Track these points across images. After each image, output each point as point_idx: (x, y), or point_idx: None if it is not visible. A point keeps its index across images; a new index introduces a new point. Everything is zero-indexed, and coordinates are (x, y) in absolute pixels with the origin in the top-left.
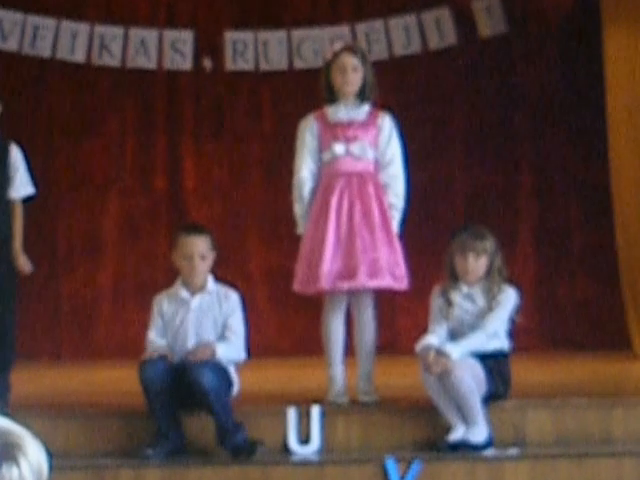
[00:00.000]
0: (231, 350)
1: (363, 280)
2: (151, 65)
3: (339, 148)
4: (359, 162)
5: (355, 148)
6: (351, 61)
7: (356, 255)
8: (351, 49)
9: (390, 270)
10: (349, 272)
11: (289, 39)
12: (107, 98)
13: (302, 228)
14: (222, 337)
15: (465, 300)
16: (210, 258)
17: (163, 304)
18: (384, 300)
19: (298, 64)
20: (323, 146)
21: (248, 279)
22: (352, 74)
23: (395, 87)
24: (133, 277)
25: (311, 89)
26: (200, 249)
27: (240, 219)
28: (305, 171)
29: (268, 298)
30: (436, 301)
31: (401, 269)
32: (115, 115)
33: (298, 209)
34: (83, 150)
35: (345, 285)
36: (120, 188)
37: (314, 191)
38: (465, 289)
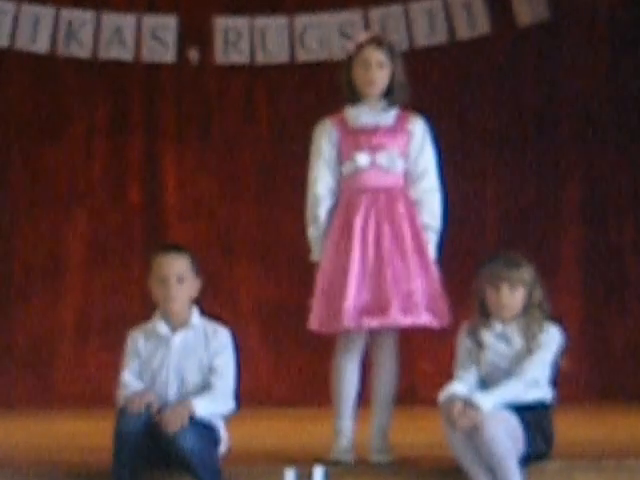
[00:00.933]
0: (216, 402)
1: (396, 316)
2: (127, 56)
3: (363, 159)
4: (387, 175)
5: (382, 158)
6: (376, 56)
7: (386, 287)
8: (378, 41)
9: (428, 304)
10: (379, 307)
11: (291, 26)
12: (74, 95)
13: (318, 255)
14: (205, 384)
15: (499, 341)
16: (191, 284)
17: (139, 341)
18: (402, 339)
19: (301, 56)
20: (343, 156)
21: (238, 313)
22: (377, 71)
23: (416, 85)
24: (101, 309)
25: (316, 86)
26: (177, 270)
27: (230, 240)
28: (321, 187)
29: (262, 335)
30: (464, 342)
31: (441, 304)
32: (83, 115)
33: (313, 232)
34: (44, 157)
35: (374, 322)
36: (87, 202)
37: (332, 211)
38: (499, 327)
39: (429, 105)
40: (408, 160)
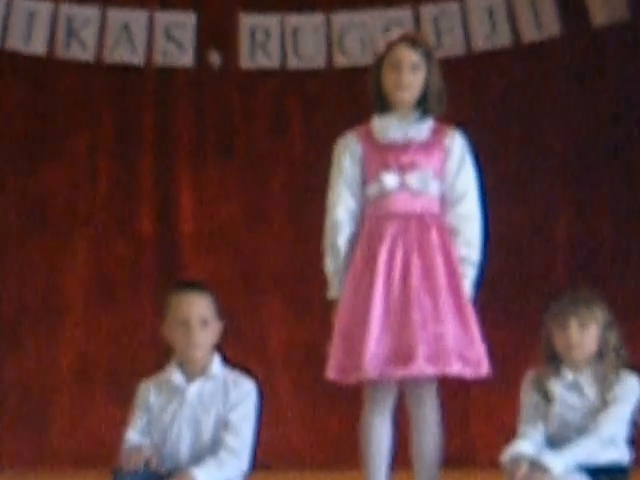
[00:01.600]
0: (223, 468)
1: (422, 365)
2: (137, 60)
3: (391, 179)
4: (418, 199)
5: (413, 179)
6: (409, 56)
7: (412, 330)
8: (411, 40)
9: (460, 351)
10: (403, 354)
11: (328, 26)
12: (75, 105)
13: (336, 291)
14: (213, 445)
15: (570, 392)
16: (214, 328)
17: (150, 393)
18: (453, 392)
19: (340, 61)
20: (368, 176)
21: (265, 360)
22: (409, 74)
23: (473, 94)
24: (105, 355)
25: (357, 96)
26: (200, 312)
27: (256, 276)
28: (341, 211)
29: (293, 386)
30: (529, 393)
31: (476, 350)
32: (85, 129)
33: (331, 264)
34: (40, 177)
35: (397, 372)
36: (90, 231)
37: (354, 239)
38: (569, 376)
39: (487, 120)
40: (444, 181)
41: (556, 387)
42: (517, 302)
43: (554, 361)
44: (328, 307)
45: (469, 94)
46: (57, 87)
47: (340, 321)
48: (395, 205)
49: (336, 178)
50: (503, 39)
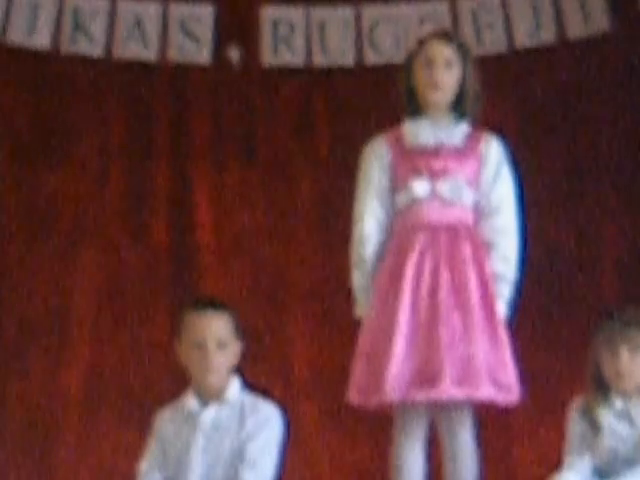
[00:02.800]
0: None
1: (448, 388)
2: (150, 55)
3: (421, 187)
4: (451, 209)
5: (445, 188)
6: (443, 52)
7: (440, 349)
8: (445, 35)
9: (491, 374)
10: (429, 376)
11: (358, 19)
12: (82, 104)
13: (364, 309)
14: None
15: (619, 421)
16: (232, 350)
17: (165, 422)
18: (491, 418)
19: (371, 58)
20: (397, 184)
21: (290, 384)
22: (443, 71)
23: (514, 95)
24: (116, 375)
25: (389, 95)
26: (217, 332)
27: (280, 290)
28: (370, 223)
29: (321, 413)
30: (576, 422)
31: (508, 373)
32: (94, 131)
33: (358, 280)
34: (44, 183)
35: (421, 395)
36: (99, 241)
37: (383, 253)
38: (619, 404)
39: (529, 123)
40: (479, 191)
41: (605, 416)
42: (561, 323)
43: (602, 388)
44: (359, 325)
45: (510, 95)
46: (63, 85)
47: (363, 340)
48: (424, 215)
49: (363, 187)
50: (548, 35)
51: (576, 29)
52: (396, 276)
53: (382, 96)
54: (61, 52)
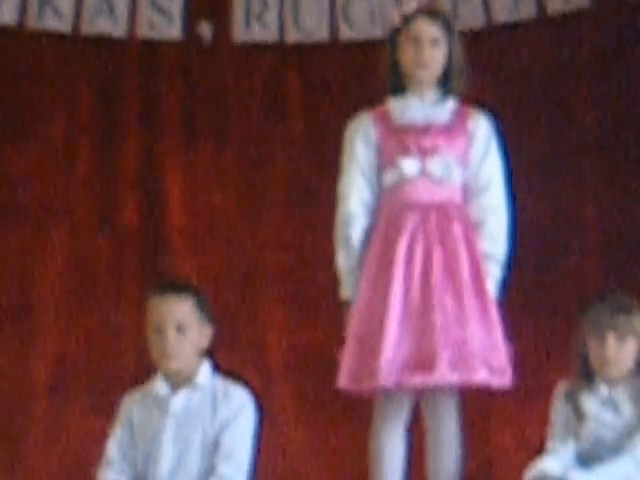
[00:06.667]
0: None
1: (444, 373)
2: (118, 31)
3: (411, 165)
4: (440, 188)
5: (435, 166)
6: (430, 30)
7: (434, 333)
8: (431, 11)
9: (485, 357)
10: (423, 360)
11: None
12: (49, 81)
13: (350, 291)
14: (209, 468)
15: (604, 408)
16: (197, 332)
17: (133, 408)
18: (470, 403)
19: (345, 33)
20: (385, 162)
21: (264, 367)
22: (430, 49)
23: (493, 72)
24: (84, 362)
25: (364, 73)
26: (176, 316)
27: (252, 272)
28: (355, 201)
29: (295, 397)
30: (560, 407)
31: (501, 357)
32: (60, 108)
33: (343, 261)
34: (9, 162)
35: (417, 379)
36: (67, 222)
37: (369, 233)
38: (604, 391)
39: (508, 100)
40: (468, 169)
41: (589, 402)
42: (543, 306)
43: (587, 373)
44: (337, 308)
45: (488, 71)
46: (28, 61)
47: (354, 324)
48: (415, 194)
49: (348, 165)
50: (526, 11)
51: (555, 4)
52: (386, 257)
53: (357, 73)
54: (27, 28)
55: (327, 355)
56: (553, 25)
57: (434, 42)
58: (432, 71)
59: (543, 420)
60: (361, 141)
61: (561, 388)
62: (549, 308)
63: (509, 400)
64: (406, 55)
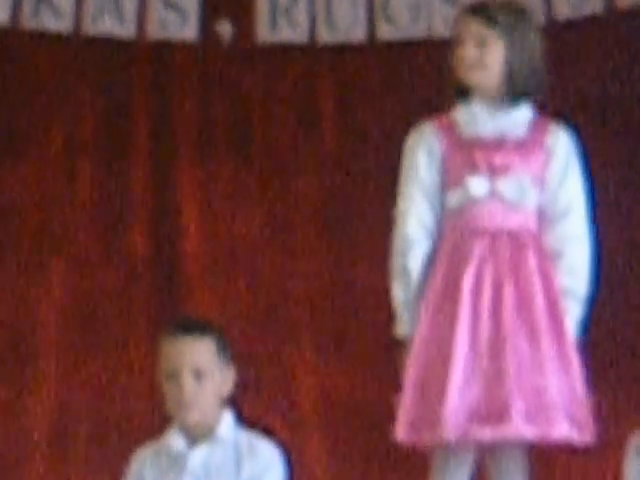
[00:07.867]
0: None
1: (519, 425)
2: (126, 32)
3: (478, 186)
4: (513, 212)
5: (507, 187)
6: (471, 28)
7: (506, 380)
8: (478, 10)
9: (566, 408)
10: (494, 411)
11: None
12: (47, 88)
13: (407, 327)
14: None
15: None
16: (217, 378)
17: (145, 465)
18: (538, 458)
19: (384, 33)
20: (450, 181)
21: (294, 417)
22: (472, 49)
23: (556, 75)
24: (87, 411)
25: (406, 78)
26: (194, 360)
27: (280, 309)
28: (415, 226)
29: (329, 451)
30: (633, 462)
31: (583, 407)
32: (60, 120)
33: (399, 292)
34: (3, 183)
35: (487, 433)
36: (67, 252)
37: (430, 260)
38: None
39: (576, 108)
40: (545, 191)
41: None
42: (621, 346)
43: None
44: (376, 348)
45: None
46: (23, 65)
47: (413, 366)
48: (483, 218)
49: (409, 183)
50: (593, 4)
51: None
52: (451, 290)
53: (397, 77)
54: (21, 27)
55: (365, 402)
56: (624, 21)
57: (478, 41)
58: (486, 74)
59: (612, 474)
60: (424, 155)
61: (635, 440)
62: (627, 353)
63: (579, 456)
64: (455, 58)
